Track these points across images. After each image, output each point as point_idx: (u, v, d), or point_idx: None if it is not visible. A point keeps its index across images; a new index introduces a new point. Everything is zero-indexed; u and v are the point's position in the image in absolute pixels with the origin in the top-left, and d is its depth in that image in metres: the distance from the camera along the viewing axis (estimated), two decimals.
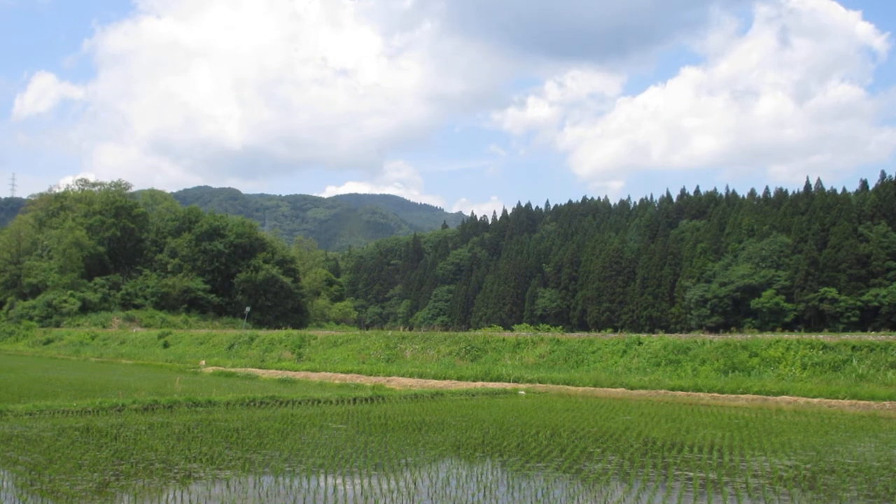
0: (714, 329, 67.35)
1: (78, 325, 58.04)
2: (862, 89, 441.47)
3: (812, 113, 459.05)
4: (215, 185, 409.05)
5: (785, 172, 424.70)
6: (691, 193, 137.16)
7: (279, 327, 49.12)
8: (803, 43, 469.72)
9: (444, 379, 25.46)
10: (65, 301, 62.92)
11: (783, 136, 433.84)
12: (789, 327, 77.67)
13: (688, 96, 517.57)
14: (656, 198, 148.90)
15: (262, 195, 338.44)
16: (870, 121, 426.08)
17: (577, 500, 8.16)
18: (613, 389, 21.86)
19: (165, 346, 43.38)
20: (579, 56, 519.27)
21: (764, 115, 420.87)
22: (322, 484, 8.67)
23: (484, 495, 8.21)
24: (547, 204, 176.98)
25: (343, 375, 27.86)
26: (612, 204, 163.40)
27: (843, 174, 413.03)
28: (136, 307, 66.12)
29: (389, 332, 35.40)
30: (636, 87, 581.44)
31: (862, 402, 18.11)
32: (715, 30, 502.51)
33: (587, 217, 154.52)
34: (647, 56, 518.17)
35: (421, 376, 26.19)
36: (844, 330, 71.98)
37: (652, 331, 53.87)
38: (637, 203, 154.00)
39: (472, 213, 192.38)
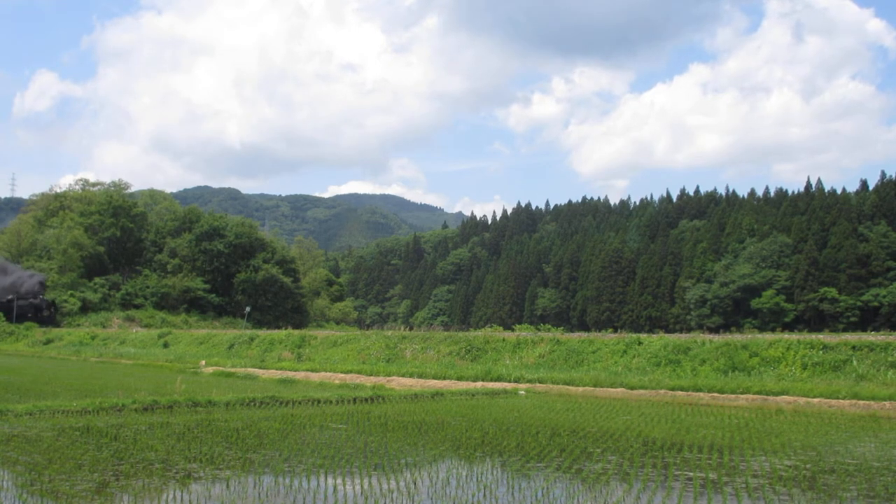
0: (714, 329, 67.32)
1: (78, 325, 58.06)
2: (872, 87, 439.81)
3: (820, 111, 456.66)
4: (215, 184, 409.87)
5: (791, 171, 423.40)
6: (691, 193, 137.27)
7: (279, 327, 49.09)
8: (813, 39, 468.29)
9: (444, 379, 25.42)
10: (65, 301, 62.95)
11: (790, 133, 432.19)
12: (789, 327, 77.67)
13: (695, 94, 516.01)
14: (656, 197, 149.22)
15: (262, 195, 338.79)
16: (878, 119, 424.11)
17: (577, 500, 8.16)
18: (613, 389, 21.83)
19: (165, 346, 43.37)
20: (587, 52, 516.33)
21: (771, 112, 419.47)
22: (322, 484, 8.67)
23: (484, 495, 8.20)
24: (547, 204, 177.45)
25: (343, 375, 27.83)
26: (613, 203, 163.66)
27: (850, 172, 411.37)
28: (136, 307, 66.15)
29: (389, 332, 35.36)
30: (643, 84, 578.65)
31: (862, 402, 18.08)
32: (725, 26, 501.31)
33: (587, 217, 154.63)
34: (656, 52, 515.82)
35: (421, 376, 26.16)
36: (844, 330, 72.00)
37: (652, 331, 53.79)
38: (637, 203, 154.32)
39: (472, 212, 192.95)
